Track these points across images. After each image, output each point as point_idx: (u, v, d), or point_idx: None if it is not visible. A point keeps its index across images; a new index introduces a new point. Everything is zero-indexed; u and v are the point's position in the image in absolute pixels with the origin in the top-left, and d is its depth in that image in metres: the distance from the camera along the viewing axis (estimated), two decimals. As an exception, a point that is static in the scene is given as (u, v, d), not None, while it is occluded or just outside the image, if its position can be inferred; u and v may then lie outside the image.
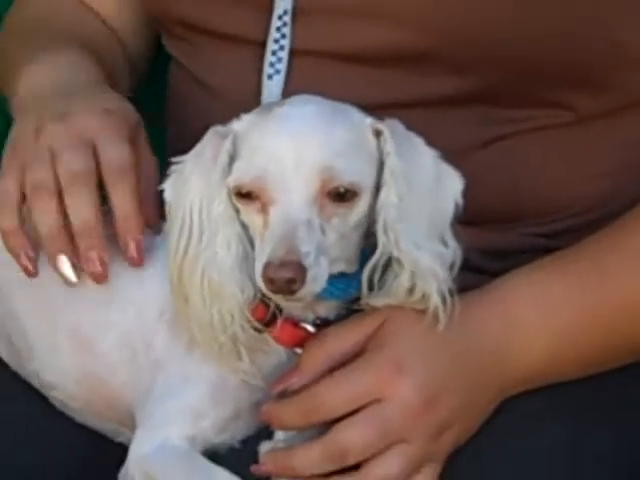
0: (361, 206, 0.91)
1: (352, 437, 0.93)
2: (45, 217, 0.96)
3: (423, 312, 0.93)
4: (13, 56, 1.18)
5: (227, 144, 0.90)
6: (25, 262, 0.95)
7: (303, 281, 0.86)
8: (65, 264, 0.96)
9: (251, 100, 1.06)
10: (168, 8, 1.17)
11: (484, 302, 0.97)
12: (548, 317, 0.99)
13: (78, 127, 0.99)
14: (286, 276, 0.85)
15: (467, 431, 0.95)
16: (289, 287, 0.86)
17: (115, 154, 0.97)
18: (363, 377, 0.93)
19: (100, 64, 1.15)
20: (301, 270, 0.86)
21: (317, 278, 0.87)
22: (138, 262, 0.96)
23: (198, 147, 0.93)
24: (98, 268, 0.94)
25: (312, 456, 0.93)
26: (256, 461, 0.95)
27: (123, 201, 0.96)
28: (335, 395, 0.93)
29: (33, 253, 0.96)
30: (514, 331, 0.98)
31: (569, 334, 0.99)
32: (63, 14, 1.28)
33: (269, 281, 0.86)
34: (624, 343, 1.02)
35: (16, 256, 0.96)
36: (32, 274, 0.96)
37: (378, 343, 0.94)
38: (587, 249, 1.03)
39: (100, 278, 0.94)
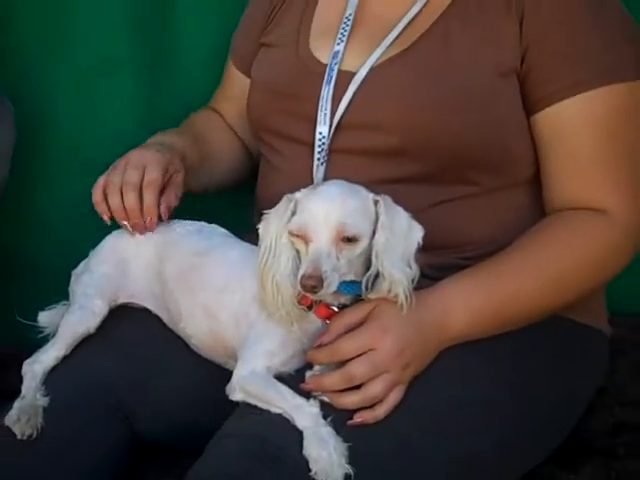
0: (361, 245, 1.37)
1: (357, 369, 1.38)
2: (113, 199, 1.58)
3: (396, 303, 1.38)
4: None
5: (291, 205, 1.40)
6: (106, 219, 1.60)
7: (321, 286, 1.33)
8: (126, 226, 1.58)
9: (306, 178, 1.55)
10: (258, 122, 1.71)
11: (430, 296, 1.45)
12: (467, 304, 1.46)
13: (143, 157, 1.61)
14: (311, 283, 1.32)
15: (420, 367, 1.42)
16: (313, 289, 1.33)
17: (150, 175, 1.58)
18: (363, 336, 1.39)
19: (195, 148, 1.72)
20: (320, 280, 1.32)
21: (330, 285, 1.34)
22: (150, 229, 1.58)
23: (277, 206, 1.42)
24: (141, 227, 1.57)
25: (334, 379, 1.39)
26: (303, 382, 1.40)
27: (147, 198, 1.57)
28: (348, 346, 1.39)
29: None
30: (447, 312, 1.45)
31: (479, 313, 1.47)
32: (201, 122, 1.87)
33: (302, 285, 1.33)
34: (510, 322, 1.49)
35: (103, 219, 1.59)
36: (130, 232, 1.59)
37: (372, 318, 1.40)
38: (489, 266, 1.50)
39: (140, 229, 1.57)
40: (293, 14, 1.74)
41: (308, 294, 1.37)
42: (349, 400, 1.39)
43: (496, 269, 1.50)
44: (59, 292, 1.65)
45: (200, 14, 2.07)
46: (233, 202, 1.92)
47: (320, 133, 1.57)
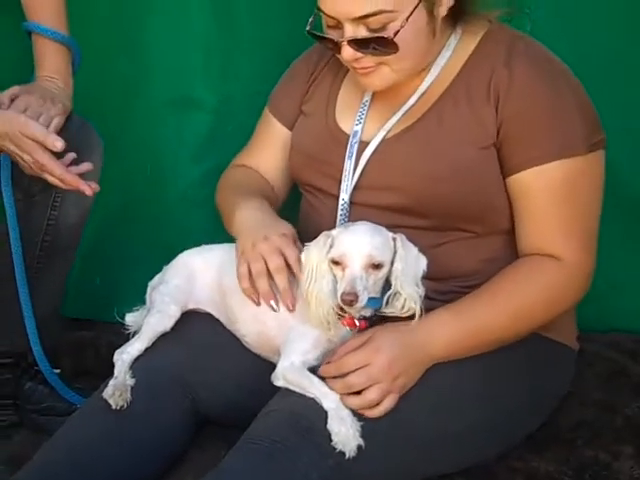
0: (384, 270, 1.71)
1: (356, 380, 1.70)
2: (262, 284, 1.80)
3: (395, 327, 1.71)
4: (230, 205, 2.01)
5: (329, 240, 1.73)
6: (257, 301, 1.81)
7: (357, 301, 1.66)
8: (272, 304, 1.79)
9: (333, 219, 1.88)
10: (298, 176, 2.03)
11: (417, 325, 1.74)
12: (444, 331, 1.77)
13: (273, 244, 1.81)
14: (350, 298, 1.66)
15: (410, 380, 1.73)
16: (351, 303, 1.66)
17: (293, 254, 1.80)
18: (361, 354, 1.71)
19: (269, 203, 1.97)
20: (356, 296, 1.65)
21: (362, 300, 1.66)
22: (292, 309, 1.79)
23: (317, 239, 1.75)
24: (289, 306, 1.78)
25: (337, 386, 1.70)
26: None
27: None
28: (349, 362, 1.71)
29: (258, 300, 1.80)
30: (429, 336, 1.76)
31: (455, 339, 1.78)
32: (251, 179, 2.14)
33: (342, 300, 1.66)
34: (482, 345, 1.79)
35: (252, 300, 1.81)
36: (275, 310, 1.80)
37: (369, 341, 1.72)
38: (464, 302, 1.79)
39: (292, 307, 1.78)
40: (324, 88, 2.06)
41: (346, 307, 1.71)
42: (351, 402, 1.71)
43: (469, 305, 1.82)
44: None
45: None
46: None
47: (343, 199, 1.90)
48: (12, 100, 2.02)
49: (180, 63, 2.51)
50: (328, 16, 1.83)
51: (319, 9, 1.84)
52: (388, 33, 1.79)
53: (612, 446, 1.98)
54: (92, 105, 2.32)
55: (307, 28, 1.90)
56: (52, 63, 2.17)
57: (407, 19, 1.79)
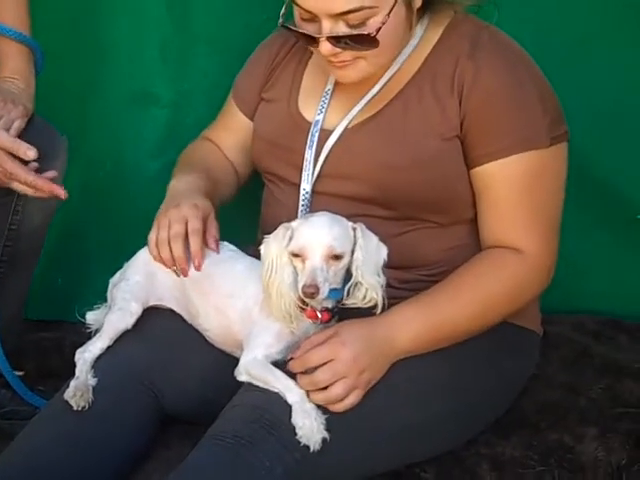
0: (344, 261, 1.70)
1: (321, 376, 1.69)
2: (164, 252, 1.82)
3: (360, 322, 1.70)
4: (172, 178, 2.04)
5: (289, 232, 1.71)
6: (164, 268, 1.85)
7: (318, 293, 1.65)
8: (173, 270, 1.81)
9: (295, 209, 1.88)
10: (259, 163, 2.02)
11: (380, 319, 1.73)
12: (409, 326, 1.76)
13: (182, 212, 1.83)
14: (311, 291, 1.65)
15: (375, 375, 1.72)
16: (312, 295, 1.65)
17: (193, 225, 1.81)
18: (326, 349, 1.70)
19: (209, 182, 1.96)
20: (317, 288, 1.64)
21: (324, 292, 1.65)
22: (198, 268, 1.81)
23: (276, 231, 1.73)
24: (185, 272, 1.81)
25: (304, 382, 1.69)
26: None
27: (194, 245, 1.81)
28: (314, 357, 1.70)
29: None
30: (393, 331, 1.75)
31: (420, 333, 1.76)
32: (208, 156, 2.13)
33: (303, 292, 1.65)
34: (447, 338, 1.79)
35: (163, 265, 1.83)
36: (178, 275, 1.84)
37: (334, 337, 1.71)
38: (427, 296, 1.79)
39: (185, 274, 1.81)
40: (287, 74, 2.04)
41: (307, 299, 1.70)
42: (316, 398, 1.71)
43: (432, 299, 1.82)
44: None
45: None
46: (239, 221, 2.24)
47: (304, 189, 1.90)
48: None
49: (137, 58, 2.48)
50: (304, 10, 1.79)
51: (294, 2, 1.80)
52: (369, 29, 1.77)
53: (577, 428, 2.00)
54: (50, 103, 2.30)
55: (280, 21, 1.87)
56: (14, 64, 2.16)
57: (388, 15, 1.77)
